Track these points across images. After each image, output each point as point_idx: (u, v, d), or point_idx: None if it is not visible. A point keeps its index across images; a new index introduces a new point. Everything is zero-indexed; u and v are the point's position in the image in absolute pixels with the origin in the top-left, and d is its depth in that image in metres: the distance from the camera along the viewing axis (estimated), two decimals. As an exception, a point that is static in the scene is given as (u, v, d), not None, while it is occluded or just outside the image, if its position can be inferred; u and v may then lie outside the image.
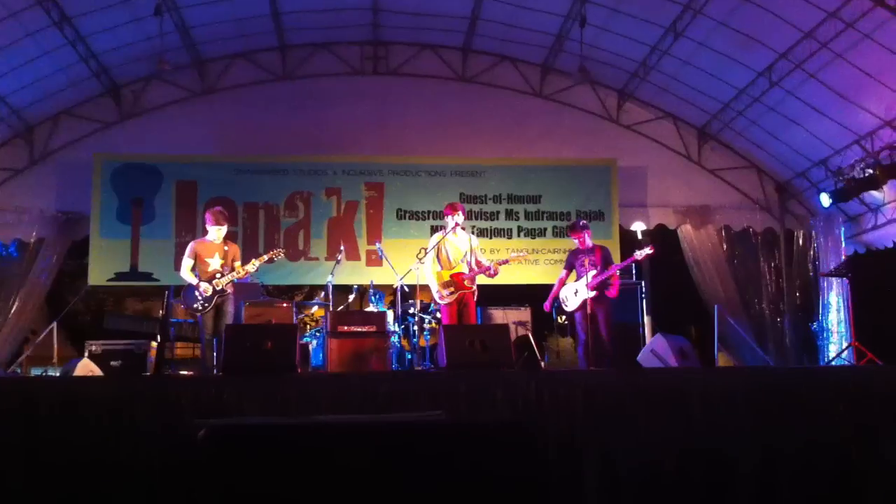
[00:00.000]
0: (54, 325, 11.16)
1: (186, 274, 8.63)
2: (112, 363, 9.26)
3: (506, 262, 9.29)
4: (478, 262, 9.07)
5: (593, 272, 9.04)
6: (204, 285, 8.48)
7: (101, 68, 12.29)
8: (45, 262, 12.46)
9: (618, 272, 9.27)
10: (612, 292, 9.14)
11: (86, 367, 8.20)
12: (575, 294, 9.21)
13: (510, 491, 2.74)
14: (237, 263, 8.76)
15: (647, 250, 9.20)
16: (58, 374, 9.31)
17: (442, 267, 9.00)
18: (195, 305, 8.50)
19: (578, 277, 9.24)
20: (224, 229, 8.79)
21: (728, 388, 5.55)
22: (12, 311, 12.21)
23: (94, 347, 9.58)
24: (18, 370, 11.47)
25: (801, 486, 5.32)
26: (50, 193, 12.54)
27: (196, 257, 8.66)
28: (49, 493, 4.84)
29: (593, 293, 9.02)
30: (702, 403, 5.49)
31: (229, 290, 8.62)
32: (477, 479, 2.74)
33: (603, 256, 9.24)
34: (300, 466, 2.83)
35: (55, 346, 11.01)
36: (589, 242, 9.40)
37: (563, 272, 9.55)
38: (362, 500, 2.77)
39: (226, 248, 8.77)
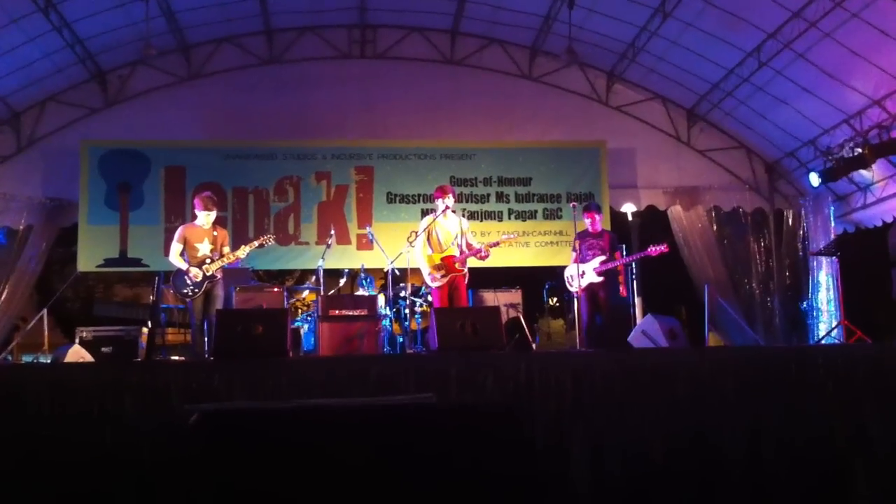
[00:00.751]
0: (44, 312, 11.13)
1: (175, 259, 8.60)
2: (103, 349, 9.23)
3: (496, 244, 9.28)
4: (468, 245, 9.07)
5: (602, 257, 9.12)
6: (194, 270, 8.45)
7: (86, 54, 12.22)
8: (33, 250, 12.43)
9: (622, 267, 9.31)
10: (623, 290, 9.26)
11: (76, 354, 8.18)
12: (581, 276, 9.21)
13: (499, 471, 2.75)
14: (226, 249, 8.74)
15: (662, 247, 9.22)
16: (48, 362, 9.28)
17: (432, 250, 8.99)
18: (184, 290, 8.48)
19: (583, 260, 9.24)
20: (213, 214, 8.76)
21: (718, 369, 5.57)
22: (2, 298, 12.20)
23: (84, 334, 9.55)
24: (9, 358, 11.45)
25: (790, 466, 5.36)
26: (37, 180, 12.50)
27: (185, 242, 8.63)
28: (35, 480, 4.83)
29: (600, 278, 9.09)
30: (691, 384, 5.51)
31: (218, 275, 8.60)
32: (466, 460, 2.75)
33: (610, 242, 9.29)
34: (291, 450, 2.84)
35: (45, 333, 10.98)
36: (598, 226, 9.45)
37: (574, 255, 9.51)
38: (353, 481, 2.77)
39: (215, 233, 8.73)
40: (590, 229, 9.43)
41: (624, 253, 9.45)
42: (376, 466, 2.78)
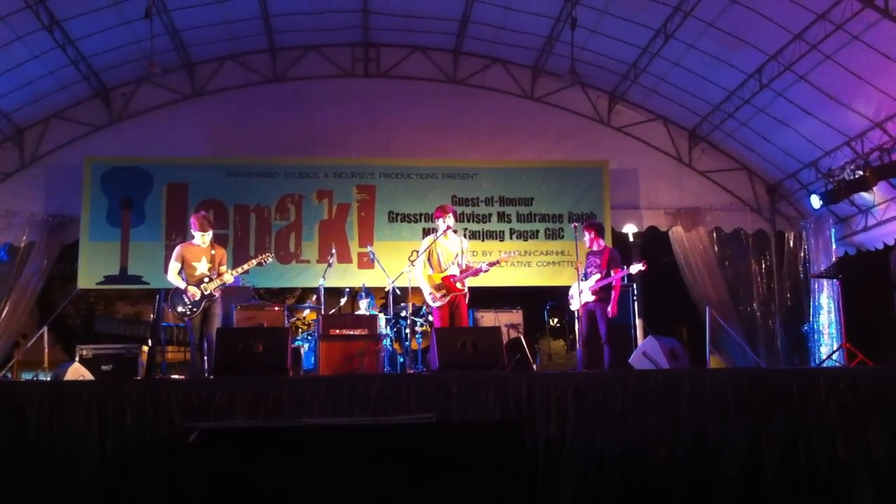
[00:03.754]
0: (45, 329, 11.09)
1: (174, 277, 8.57)
2: (103, 367, 9.20)
3: (496, 262, 9.30)
4: (462, 265, 9.09)
5: (597, 276, 9.13)
6: (192, 289, 8.42)
7: (90, 71, 12.26)
8: (35, 266, 12.41)
9: (618, 284, 9.26)
10: (612, 310, 9.14)
11: (76, 372, 8.14)
12: (580, 293, 9.25)
13: (499, 489, 2.74)
14: (223, 267, 8.72)
15: (640, 266, 9.30)
16: (48, 379, 9.25)
17: (433, 270, 8.99)
18: (181, 309, 8.45)
19: (586, 277, 9.29)
20: (209, 235, 8.69)
21: (719, 390, 5.55)
22: (2, 315, 12.15)
23: (84, 352, 9.51)
24: (9, 375, 11.41)
25: (791, 485, 5.34)
26: (40, 197, 12.51)
27: (183, 261, 8.58)
28: (37, 498, 4.82)
29: (593, 297, 9.11)
30: (692, 405, 5.49)
31: (216, 293, 8.57)
32: (467, 478, 2.74)
33: (609, 258, 9.25)
34: (292, 468, 2.82)
35: (46, 350, 10.95)
36: (595, 244, 9.45)
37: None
38: (354, 500, 2.76)
39: (213, 251, 8.70)
40: (587, 246, 9.47)
41: (629, 269, 9.36)
42: (375, 484, 2.76)
